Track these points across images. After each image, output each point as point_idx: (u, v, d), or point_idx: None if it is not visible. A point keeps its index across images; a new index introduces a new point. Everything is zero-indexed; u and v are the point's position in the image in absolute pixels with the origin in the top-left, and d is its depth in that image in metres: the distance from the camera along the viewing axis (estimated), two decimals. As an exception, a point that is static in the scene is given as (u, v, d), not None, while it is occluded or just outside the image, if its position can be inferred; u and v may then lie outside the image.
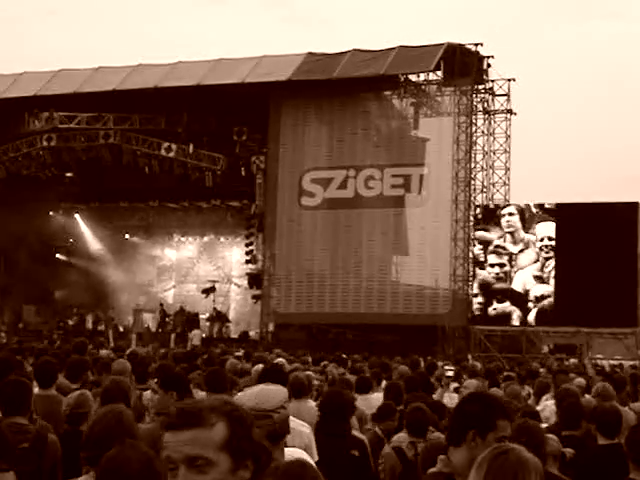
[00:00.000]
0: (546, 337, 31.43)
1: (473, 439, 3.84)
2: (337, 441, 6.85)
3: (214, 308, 37.32)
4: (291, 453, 4.17)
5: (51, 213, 40.28)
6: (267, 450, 3.43)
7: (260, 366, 10.54)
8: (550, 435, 6.48)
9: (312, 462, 4.20)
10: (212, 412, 2.56)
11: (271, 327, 32.46)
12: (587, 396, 9.51)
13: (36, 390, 7.62)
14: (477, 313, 30.33)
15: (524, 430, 5.51)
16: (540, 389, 10.48)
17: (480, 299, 30.28)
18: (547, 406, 9.33)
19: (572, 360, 26.60)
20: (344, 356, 18.23)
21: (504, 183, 32.59)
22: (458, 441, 3.91)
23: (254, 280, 33.62)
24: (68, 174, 37.01)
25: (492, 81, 32.36)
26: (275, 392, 4.21)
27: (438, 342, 29.12)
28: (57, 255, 40.57)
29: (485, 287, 30.22)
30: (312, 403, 8.48)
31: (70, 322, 38.14)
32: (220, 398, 2.68)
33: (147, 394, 8.69)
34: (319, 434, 6.64)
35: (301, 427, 6.09)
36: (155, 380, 8.72)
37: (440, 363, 16.00)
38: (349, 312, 31.00)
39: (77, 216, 40.65)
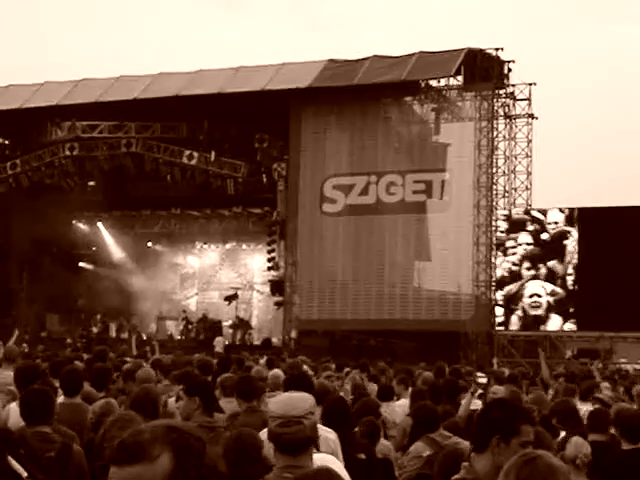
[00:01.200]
0: (569, 342, 31.31)
1: (497, 445, 3.85)
2: (342, 447, 6.83)
3: (237, 315, 37.39)
4: (321, 459, 4.19)
5: (74, 222, 40.47)
6: (222, 476, 3.35)
7: (277, 371, 10.54)
8: (579, 440, 6.48)
9: (340, 469, 4.22)
10: (155, 443, 2.35)
11: (294, 334, 32.42)
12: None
13: (62, 398, 7.66)
14: (500, 319, 30.27)
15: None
16: (566, 394, 10.44)
17: (503, 304, 30.26)
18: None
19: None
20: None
21: (526, 188, 32.51)
22: (482, 447, 3.92)
23: (276, 287, 33.64)
24: (91, 183, 37.22)
25: (513, 85, 32.31)
26: (303, 399, 4.23)
27: (461, 348, 29.05)
28: (80, 263, 40.75)
29: (509, 293, 30.19)
30: None
31: (94, 330, 38.31)
32: (164, 425, 2.43)
33: (172, 401, 8.70)
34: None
35: (327, 433, 6.09)
36: (180, 387, 8.73)
37: (468, 368, 15.94)
38: (371, 318, 30.94)
39: (100, 224, 40.83)
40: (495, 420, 3.92)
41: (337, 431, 6.86)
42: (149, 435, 2.38)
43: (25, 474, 3.85)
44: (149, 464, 2.33)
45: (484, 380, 10.12)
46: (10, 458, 3.82)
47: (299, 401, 4.19)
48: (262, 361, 16.79)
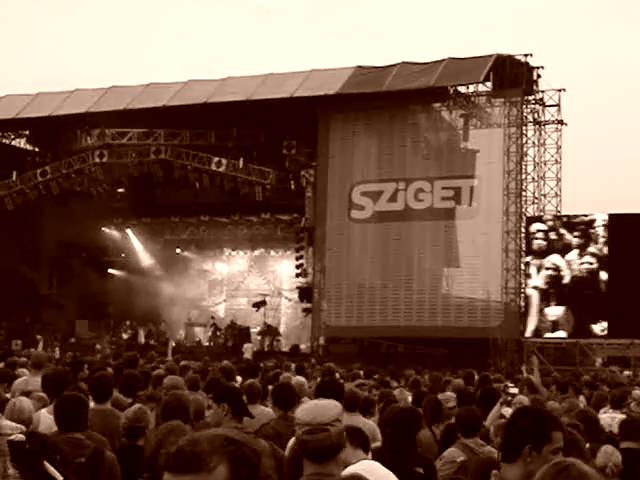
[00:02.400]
0: (599, 349, 31.08)
1: (529, 454, 3.81)
2: (402, 458, 6.81)
3: (265, 322, 37.39)
4: (368, 465, 4.18)
5: (103, 228, 40.68)
6: None
7: (300, 378, 10.51)
8: (610, 448, 6.42)
9: (374, 477, 4.19)
10: (212, 454, 2.35)
11: (322, 340, 32.42)
12: None
13: (92, 404, 7.67)
14: (531, 327, 30.14)
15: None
16: (598, 401, 10.36)
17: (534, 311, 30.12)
18: (603, 419, 9.23)
19: (626, 372, 26.24)
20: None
21: (555, 194, 32.33)
22: (512, 457, 3.88)
23: (304, 293, 33.63)
24: (120, 190, 37.40)
25: (542, 92, 32.17)
26: (329, 406, 4.21)
27: (490, 355, 28.91)
28: (110, 270, 40.93)
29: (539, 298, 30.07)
30: (362, 418, 8.46)
31: (123, 336, 38.46)
32: (222, 435, 2.43)
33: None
34: (385, 450, 6.61)
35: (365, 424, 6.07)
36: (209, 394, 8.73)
37: (497, 376, 15.83)
38: (400, 325, 30.85)
39: (129, 231, 41.01)
40: (525, 428, 3.88)
41: (399, 442, 6.84)
42: (207, 445, 2.38)
43: (61, 478, 3.88)
44: (206, 475, 2.33)
45: (515, 390, 10.01)
46: (46, 463, 3.85)
47: (326, 408, 4.17)
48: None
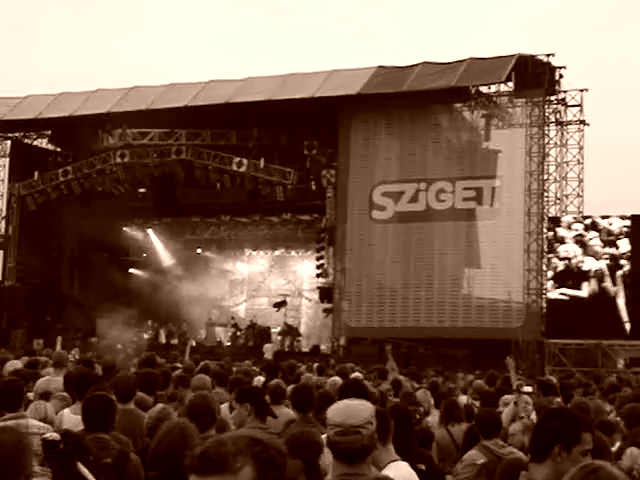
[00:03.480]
0: (621, 350, 30.89)
1: (559, 454, 3.82)
2: (403, 456, 6.77)
3: (285, 322, 37.41)
4: (396, 466, 4.16)
5: (125, 228, 40.83)
6: None
7: (336, 379, 10.48)
8: (635, 450, 6.37)
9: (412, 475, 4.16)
10: (238, 455, 2.36)
11: (342, 341, 32.38)
12: None
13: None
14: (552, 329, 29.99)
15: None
16: (622, 403, 10.27)
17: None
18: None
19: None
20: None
21: (577, 195, 32.20)
22: (542, 457, 3.90)
23: (325, 294, 33.59)
24: (141, 190, 37.50)
25: (564, 92, 32.04)
26: (362, 408, 4.18)
27: (511, 356, 28.76)
28: (131, 269, 41.05)
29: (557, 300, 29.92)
30: None
31: (144, 336, 38.55)
32: (248, 436, 2.44)
33: (224, 407, 8.68)
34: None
35: None
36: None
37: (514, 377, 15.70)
38: (421, 326, 30.80)
39: (150, 231, 41.13)
40: (555, 429, 3.89)
41: (399, 440, 6.82)
42: (233, 446, 2.38)
43: (92, 478, 3.88)
44: (232, 476, 2.34)
45: (529, 389, 9.98)
46: (79, 464, 3.85)
47: (358, 410, 4.14)
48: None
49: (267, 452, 2.40)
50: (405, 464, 4.61)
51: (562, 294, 29.72)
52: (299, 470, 4.60)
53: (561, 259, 29.93)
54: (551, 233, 30.36)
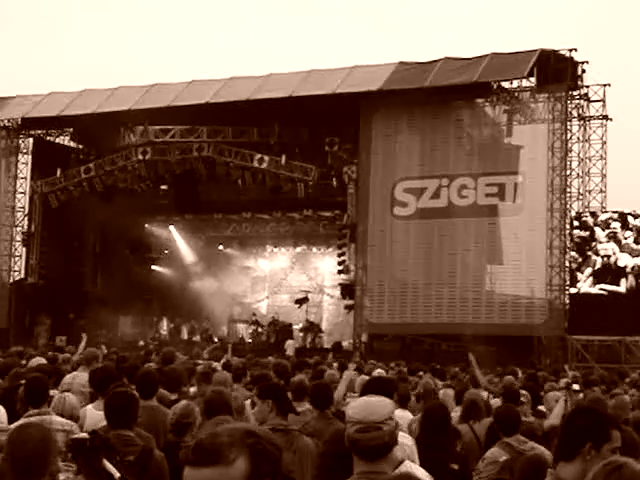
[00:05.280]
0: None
1: (589, 452, 3.81)
2: (437, 454, 6.76)
3: (307, 318, 37.43)
4: (408, 468, 4.12)
5: (147, 225, 40.98)
6: None
7: (363, 377, 10.48)
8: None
9: (423, 477, 4.14)
10: (232, 446, 2.35)
11: (364, 337, 32.36)
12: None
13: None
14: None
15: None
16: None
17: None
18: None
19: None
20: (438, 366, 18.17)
21: (600, 190, 32.06)
22: (571, 455, 3.88)
23: (346, 290, 33.54)
24: (163, 187, 37.62)
25: (587, 87, 31.89)
26: (382, 404, 4.15)
27: (534, 352, 28.70)
28: (153, 266, 41.18)
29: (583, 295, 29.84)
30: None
31: (163, 332, 38.70)
32: (242, 428, 2.43)
33: (247, 403, 8.67)
34: (419, 447, 6.59)
35: (402, 438, 6.02)
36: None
37: (544, 374, 15.66)
38: (443, 322, 30.72)
39: (172, 228, 41.26)
40: (585, 427, 3.89)
41: (434, 438, 6.81)
42: (227, 438, 2.37)
43: (118, 475, 3.92)
44: (225, 467, 2.33)
45: (577, 386, 9.90)
46: (105, 461, 3.90)
47: (378, 406, 4.11)
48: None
49: (261, 445, 2.39)
50: (416, 465, 4.59)
51: (602, 289, 29.67)
52: (294, 463, 4.54)
53: (601, 257, 29.85)
54: (587, 232, 30.25)
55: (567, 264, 30.19)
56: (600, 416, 3.99)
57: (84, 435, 3.91)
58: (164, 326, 39.44)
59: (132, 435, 5.85)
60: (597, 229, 30.16)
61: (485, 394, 11.83)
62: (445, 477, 6.65)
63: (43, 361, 12.20)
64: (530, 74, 30.35)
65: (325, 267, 40.75)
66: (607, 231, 29.89)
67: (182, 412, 6.73)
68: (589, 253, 30.08)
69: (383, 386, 7.25)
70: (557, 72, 30.50)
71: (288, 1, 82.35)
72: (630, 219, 29.89)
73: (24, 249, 37.87)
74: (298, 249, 42.02)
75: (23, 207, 38.38)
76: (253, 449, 2.36)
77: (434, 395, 10.87)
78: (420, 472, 4.47)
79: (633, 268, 29.35)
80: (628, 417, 8.18)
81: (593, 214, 30.93)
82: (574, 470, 3.81)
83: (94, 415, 7.54)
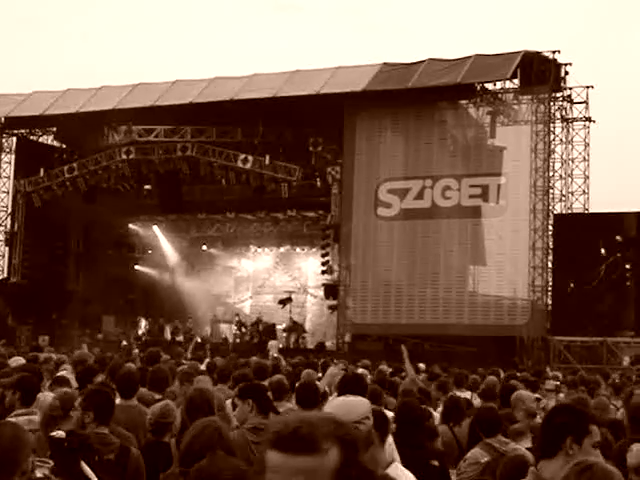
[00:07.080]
0: (627, 348, 30.84)
1: (570, 447, 3.86)
2: (416, 452, 6.77)
3: (290, 318, 37.40)
4: (395, 468, 4.15)
5: (130, 225, 40.86)
6: (373, 476, 3.35)
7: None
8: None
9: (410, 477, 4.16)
10: (327, 437, 2.36)
11: (348, 338, 32.39)
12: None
13: (118, 400, 7.68)
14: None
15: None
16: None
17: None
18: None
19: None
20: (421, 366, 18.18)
21: (583, 192, 32.19)
22: (552, 452, 3.92)
23: (330, 291, 33.57)
24: (146, 186, 37.55)
25: (570, 89, 32.03)
26: (359, 403, 4.17)
27: (516, 353, 28.78)
28: (136, 266, 41.09)
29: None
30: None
31: (140, 332, 38.61)
32: (331, 418, 2.45)
33: (227, 403, 8.68)
34: (396, 445, 6.59)
35: None
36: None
37: (524, 374, 15.71)
38: (426, 323, 30.77)
39: (155, 227, 41.16)
40: (565, 423, 3.95)
41: (413, 437, 6.82)
42: (322, 428, 2.39)
43: (95, 479, 3.91)
44: (320, 457, 2.34)
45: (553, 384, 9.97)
46: (83, 463, 3.89)
47: (355, 405, 4.13)
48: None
49: (350, 436, 2.43)
50: (401, 466, 4.60)
51: None
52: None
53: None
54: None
55: (549, 265, 30.29)
56: (578, 412, 4.06)
57: (61, 434, 3.90)
58: (147, 326, 39.33)
59: (108, 434, 5.86)
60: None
61: (469, 394, 11.88)
62: (426, 474, 6.67)
63: (23, 361, 12.16)
64: (513, 76, 30.46)
65: (309, 267, 40.76)
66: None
67: (161, 412, 6.73)
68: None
69: (357, 383, 7.28)
70: (540, 74, 30.60)
71: (272, 1, 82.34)
72: None
73: (7, 248, 37.73)
74: (282, 249, 42.00)
75: (6, 206, 38.29)
76: (344, 440, 2.39)
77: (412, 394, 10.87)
78: (406, 475, 4.50)
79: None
80: (610, 418, 8.22)
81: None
82: (557, 467, 3.83)
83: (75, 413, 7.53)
